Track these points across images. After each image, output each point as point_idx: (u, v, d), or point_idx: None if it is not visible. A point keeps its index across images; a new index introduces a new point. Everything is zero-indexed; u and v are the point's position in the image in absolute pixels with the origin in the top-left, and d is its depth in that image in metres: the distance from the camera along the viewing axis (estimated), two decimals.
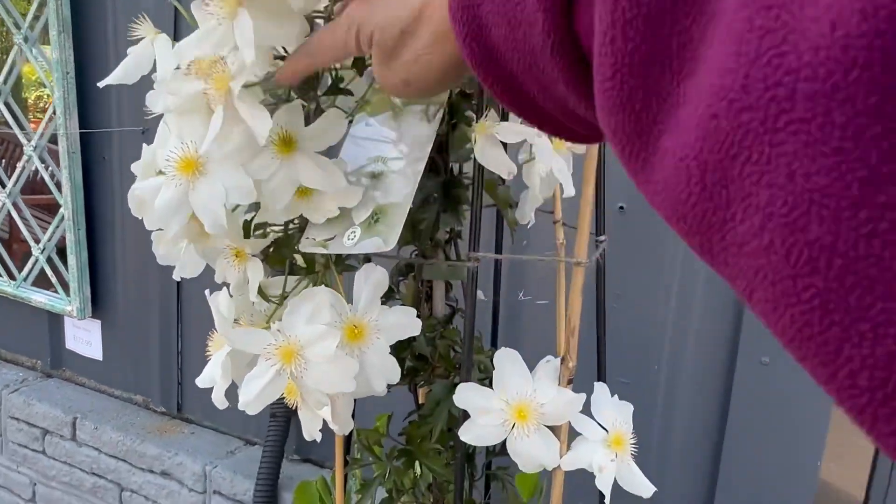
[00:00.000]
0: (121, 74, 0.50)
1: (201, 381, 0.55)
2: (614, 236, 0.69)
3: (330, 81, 0.52)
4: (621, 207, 1.10)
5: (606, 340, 0.63)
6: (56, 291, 1.76)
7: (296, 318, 0.50)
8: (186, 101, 0.41)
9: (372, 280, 0.53)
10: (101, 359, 1.83)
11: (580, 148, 0.68)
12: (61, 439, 1.73)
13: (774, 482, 1.05)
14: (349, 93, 0.54)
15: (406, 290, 0.68)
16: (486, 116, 0.52)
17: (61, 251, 1.74)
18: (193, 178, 0.42)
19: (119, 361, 1.80)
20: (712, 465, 1.09)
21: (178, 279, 0.63)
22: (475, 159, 0.51)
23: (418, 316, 0.67)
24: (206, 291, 0.63)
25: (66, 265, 1.72)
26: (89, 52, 1.62)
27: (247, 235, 0.58)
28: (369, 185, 0.55)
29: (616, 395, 0.59)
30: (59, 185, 1.67)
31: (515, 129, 0.51)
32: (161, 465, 1.57)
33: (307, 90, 0.52)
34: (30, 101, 2.22)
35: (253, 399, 0.48)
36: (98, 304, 1.77)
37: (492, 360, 0.67)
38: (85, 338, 1.84)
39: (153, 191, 0.44)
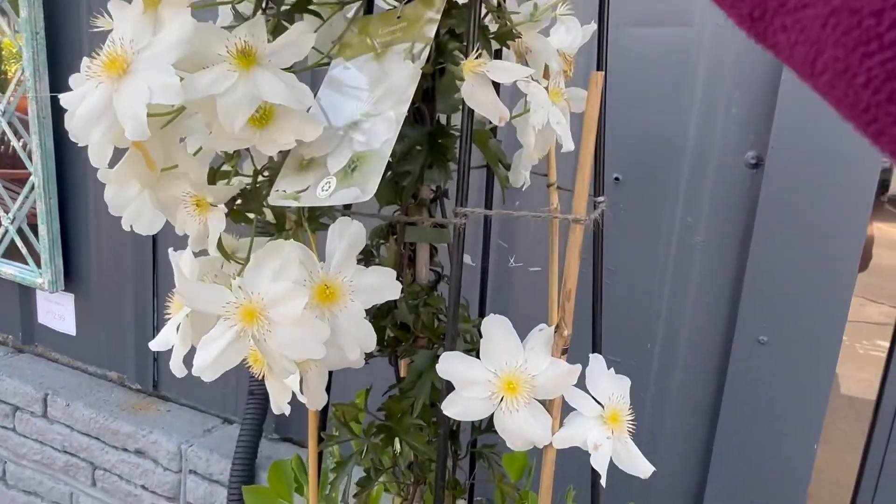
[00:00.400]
0: None
1: (155, 345, 0.50)
2: (609, 208, 0.65)
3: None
4: (617, 178, 1.05)
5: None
6: (27, 264, 1.69)
7: (260, 273, 0.45)
8: None
9: (347, 235, 0.48)
10: (74, 334, 1.76)
11: (577, 104, 0.63)
12: (32, 416, 1.67)
13: (769, 464, 1.01)
14: (317, 14, 0.48)
15: (387, 253, 0.62)
16: (477, 53, 0.46)
17: (32, 222, 1.66)
18: (119, 78, 0.37)
19: (93, 337, 1.74)
20: (705, 447, 1.06)
21: (129, 228, 0.56)
22: (464, 104, 0.46)
23: (399, 281, 0.62)
24: (170, 249, 0.58)
25: (36, 236, 1.65)
26: (61, 11, 1.53)
27: (212, 182, 0.53)
28: (347, 131, 0.49)
29: (612, 369, 0.55)
30: (29, 154, 1.60)
31: (508, 68, 0.46)
32: (135, 443, 1.52)
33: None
34: (10, 74, 2.13)
35: (209, 364, 0.43)
36: (71, 276, 1.70)
37: (479, 330, 0.62)
38: (58, 312, 1.78)
39: (80, 99, 0.39)
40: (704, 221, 1.01)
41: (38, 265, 1.67)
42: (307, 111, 0.47)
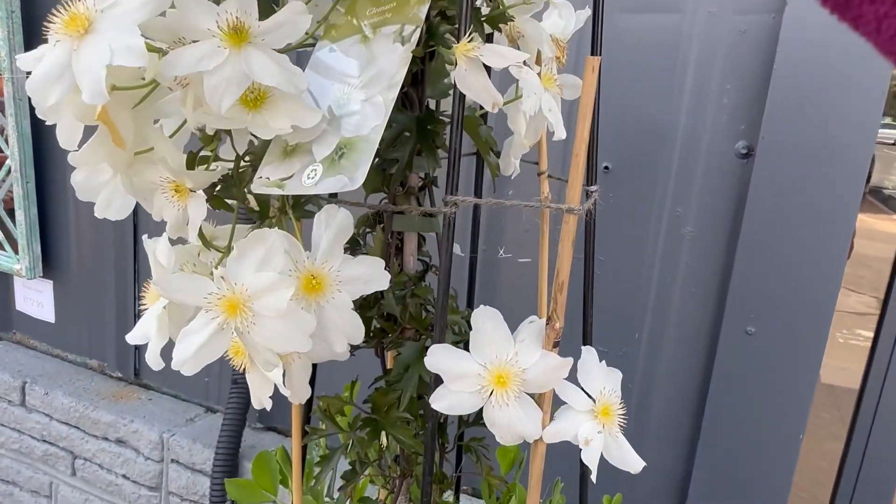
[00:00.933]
0: None
1: (132, 338, 0.48)
2: (600, 197, 0.64)
3: None
4: (606, 167, 1.04)
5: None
6: (3, 249, 1.65)
7: (243, 263, 0.43)
8: None
9: (334, 224, 0.46)
10: (53, 321, 1.73)
11: (569, 92, 0.62)
12: (9, 405, 1.64)
13: (755, 454, 1.01)
14: None
15: (374, 242, 0.61)
16: (469, 37, 0.44)
17: (9, 207, 1.62)
18: (80, 37, 0.35)
19: (73, 324, 1.71)
20: (691, 437, 1.06)
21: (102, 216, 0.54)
22: (455, 88, 0.45)
23: (387, 271, 0.61)
24: (145, 237, 0.56)
25: (13, 221, 1.62)
26: None
27: (192, 168, 0.51)
28: (333, 117, 0.47)
29: (604, 361, 0.54)
30: (6, 137, 1.56)
31: (502, 52, 0.44)
32: (116, 432, 1.49)
33: None
34: None
35: (190, 357, 0.41)
36: (49, 262, 1.66)
37: (468, 322, 0.61)
38: (36, 298, 1.74)
39: (38, 60, 0.37)
40: (694, 212, 1.00)
41: (16, 251, 1.63)
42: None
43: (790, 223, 0.94)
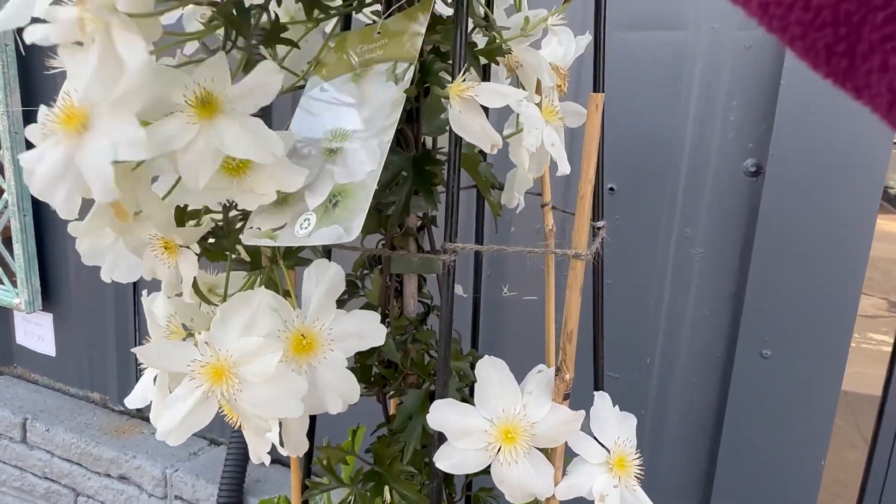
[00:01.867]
0: (5, 17, 0.40)
1: (131, 402, 0.45)
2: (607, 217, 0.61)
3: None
4: (611, 188, 1.01)
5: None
6: (2, 283, 1.64)
7: (227, 328, 0.40)
8: (67, 30, 0.31)
9: (325, 280, 0.43)
10: (54, 354, 1.71)
11: (571, 120, 0.59)
12: (11, 442, 1.61)
13: (775, 482, 0.98)
14: (292, 43, 0.44)
15: (372, 285, 0.58)
16: (463, 76, 0.42)
17: (6, 239, 1.61)
18: (78, 134, 0.32)
19: (73, 357, 1.68)
20: (707, 466, 1.02)
21: (110, 280, 0.53)
22: (451, 130, 0.42)
23: (386, 315, 0.58)
24: (144, 293, 0.55)
25: (12, 254, 1.60)
26: None
27: (181, 223, 0.48)
28: (326, 161, 0.45)
29: (617, 407, 0.51)
30: (1, 170, 1.54)
31: (500, 91, 0.42)
32: (118, 468, 1.46)
33: (240, 30, 0.42)
34: None
35: (175, 427, 0.38)
36: (49, 295, 1.64)
37: (472, 366, 0.58)
38: (36, 332, 1.72)
39: (39, 159, 0.34)
40: (703, 232, 0.97)
41: (14, 285, 1.61)
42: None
43: (804, 241, 0.91)
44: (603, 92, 0.44)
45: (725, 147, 0.94)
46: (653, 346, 1.03)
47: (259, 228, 0.45)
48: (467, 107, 0.41)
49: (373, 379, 0.59)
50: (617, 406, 0.51)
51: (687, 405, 1.03)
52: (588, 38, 0.58)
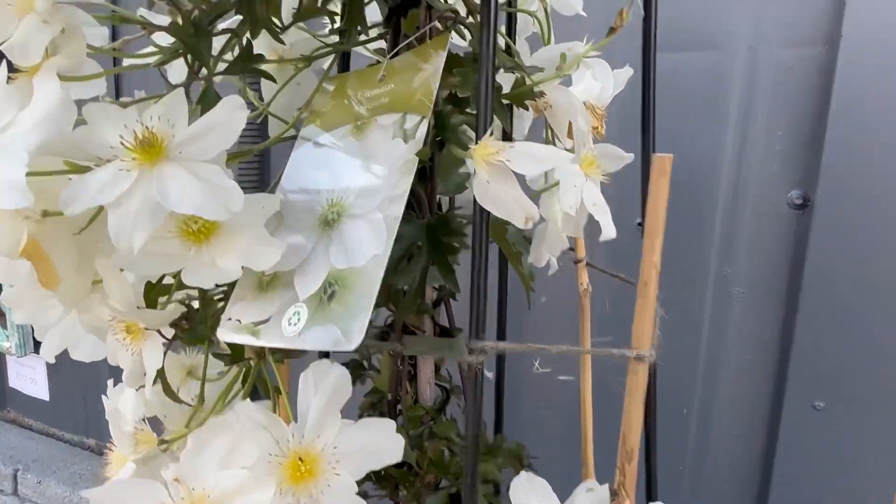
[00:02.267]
0: None
1: None
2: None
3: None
4: (639, 224, 0.92)
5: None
6: None
7: (202, 459, 0.32)
8: None
9: (326, 387, 0.35)
10: (47, 398, 1.63)
11: (609, 164, 0.50)
12: (1, 494, 1.53)
13: None
14: (265, 74, 0.36)
15: (381, 366, 0.50)
16: (490, 133, 0.33)
17: None
18: None
19: (68, 401, 1.60)
20: None
21: (87, 361, 0.47)
22: (476, 202, 0.33)
23: (398, 402, 0.50)
24: (109, 383, 0.47)
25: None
26: None
27: (151, 302, 0.40)
28: (322, 237, 0.37)
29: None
30: None
31: (538, 155, 0.33)
32: None
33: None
34: None
35: None
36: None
37: (498, 457, 0.49)
38: (29, 375, 1.64)
39: None
40: (744, 270, 0.88)
41: (4, 327, 1.54)
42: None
43: (858, 281, 0.82)
44: (671, 155, 0.36)
45: (767, 177, 0.85)
46: (690, 395, 0.94)
47: (238, 321, 0.37)
48: (496, 174, 0.33)
49: (382, 474, 0.50)
50: None
51: (729, 461, 0.93)
52: (629, 71, 0.49)
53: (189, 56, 0.36)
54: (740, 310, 0.89)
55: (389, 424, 0.36)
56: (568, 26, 0.53)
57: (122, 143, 0.29)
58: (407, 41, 0.40)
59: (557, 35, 0.52)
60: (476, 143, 0.33)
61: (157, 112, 0.30)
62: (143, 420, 0.44)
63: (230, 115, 0.30)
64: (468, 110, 0.39)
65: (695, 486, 0.96)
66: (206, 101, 0.34)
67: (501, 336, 0.57)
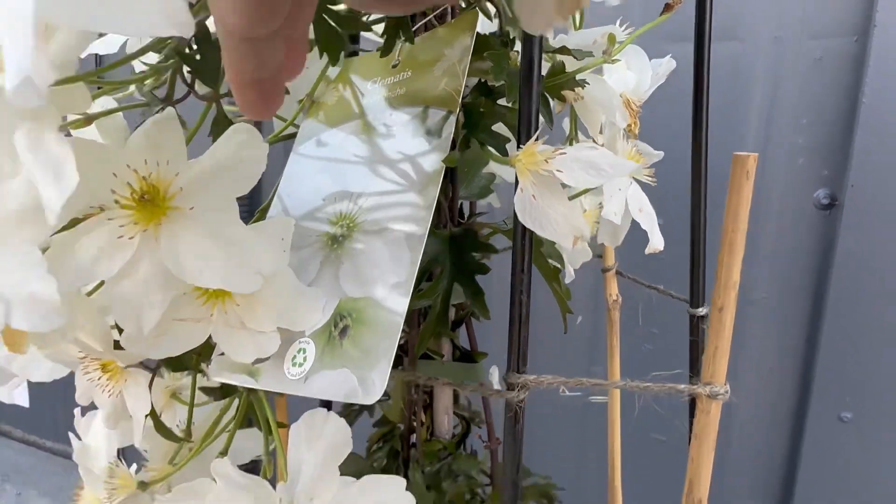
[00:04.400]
0: None
1: None
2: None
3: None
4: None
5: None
6: None
7: None
8: None
9: (321, 441, 0.29)
10: (27, 405, 1.56)
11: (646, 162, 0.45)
12: None
13: None
14: None
15: (392, 395, 0.44)
16: (535, 135, 0.28)
17: None
18: None
19: (49, 408, 1.53)
20: None
21: (47, 380, 0.41)
22: (516, 220, 0.28)
23: (410, 436, 0.44)
24: (76, 412, 0.42)
25: None
26: None
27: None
28: (329, 255, 0.31)
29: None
30: None
31: (595, 162, 0.27)
32: None
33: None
34: None
35: None
36: None
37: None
38: None
39: None
40: (766, 274, 0.83)
41: None
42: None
43: (889, 285, 0.78)
44: (755, 154, 0.30)
45: (793, 175, 0.80)
46: None
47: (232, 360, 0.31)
48: (543, 187, 0.27)
49: None
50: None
51: (749, 474, 0.88)
52: (671, 63, 0.44)
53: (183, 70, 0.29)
54: (763, 316, 0.84)
55: (398, 483, 0.30)
56: (594, 8, 0.47)
57: (116, 202, 0.22)
58: (424, 20, 0.34)
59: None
60: (519, 147, 0.27)
61: (141, 150, 0.23)
62: (119, 457, 0.39)
63: (245, 153, 0.23)
64: (500, 102, 0.33)
65: (715, 500, 0.91)
66: (217, 128, 0.28)
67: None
